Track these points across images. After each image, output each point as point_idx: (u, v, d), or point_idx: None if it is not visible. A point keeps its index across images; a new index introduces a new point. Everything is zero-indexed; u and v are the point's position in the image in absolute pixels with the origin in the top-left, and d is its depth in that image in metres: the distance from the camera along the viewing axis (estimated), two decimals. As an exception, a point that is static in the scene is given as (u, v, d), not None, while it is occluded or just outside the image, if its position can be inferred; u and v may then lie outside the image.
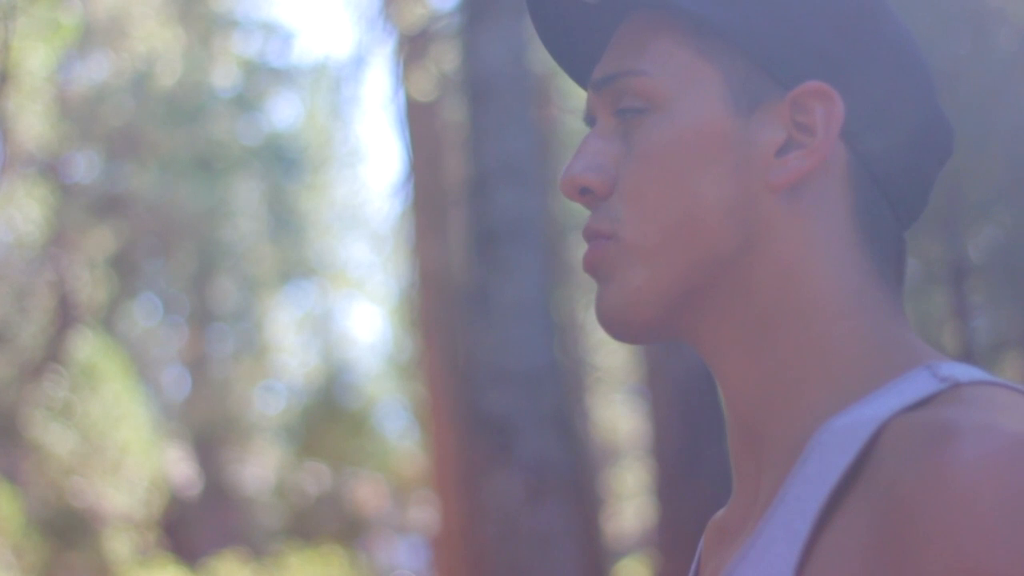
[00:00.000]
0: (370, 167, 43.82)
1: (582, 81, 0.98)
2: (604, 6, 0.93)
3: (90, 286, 14.01)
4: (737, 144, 0.85)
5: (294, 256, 19.80)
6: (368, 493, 19.53)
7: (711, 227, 0.85)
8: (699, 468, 8.01)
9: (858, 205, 0.86)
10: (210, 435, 17.23)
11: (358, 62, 12.41)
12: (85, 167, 15.79)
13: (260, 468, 18.33)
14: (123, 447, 12.18)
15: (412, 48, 9.82)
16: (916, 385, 0.79)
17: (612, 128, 0.90)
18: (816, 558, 0.75)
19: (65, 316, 13.53)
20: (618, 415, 17.54)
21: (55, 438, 11.85)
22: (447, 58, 9.31)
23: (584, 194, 0.89)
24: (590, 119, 0.93)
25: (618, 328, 0.89)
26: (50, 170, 13.85)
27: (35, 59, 9.71)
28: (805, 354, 0.84)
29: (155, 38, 14.15)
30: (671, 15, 0.88)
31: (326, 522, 18.25)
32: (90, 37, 13.75)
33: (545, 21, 0.96)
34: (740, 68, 0.86)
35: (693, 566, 0.94)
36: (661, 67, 0.87)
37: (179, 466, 15.60)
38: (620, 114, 0.89)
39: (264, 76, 18.55)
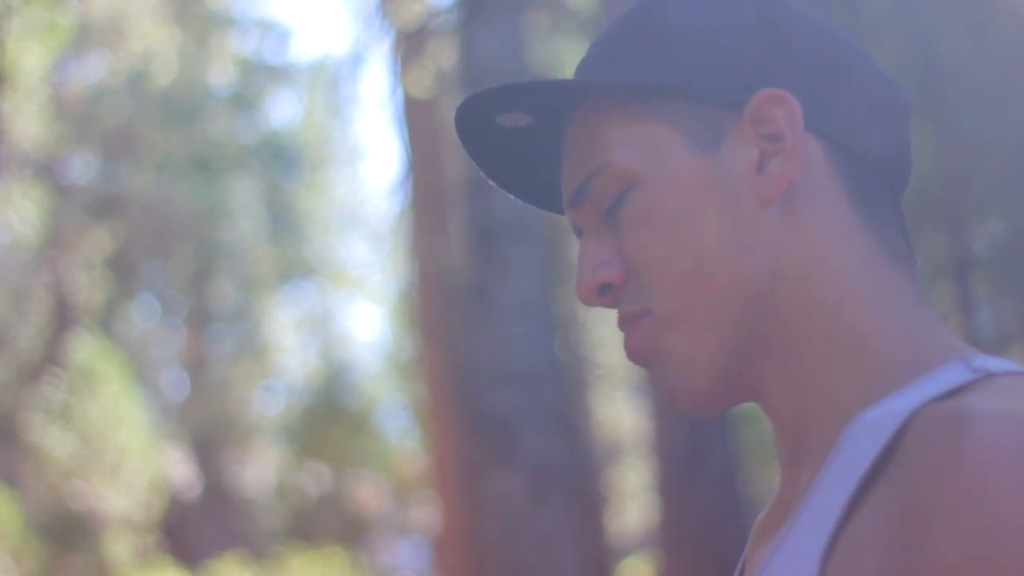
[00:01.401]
0: (369, 165, 43.83)
1: (553, 207, 1.00)
2: (539, 125, 0.94)
3: (88, 287, 14.00)
4: (717, 181, 0.87)
5: (293, 256, 19.82)
6: (369, 494, 19.56)
7: (724, 267, 0.86)
8: (702, 466, 7.99)
9: (848, 187, 0.88)
10: (210, 436, 17.26)
11: (356, 60, 12.40)
12: (82, 168, 15.79)
13: (260, 469, 18.35)
14: (122, 449, 12.19)
15: (410, 45, 9.80)
16: (949, 376, 0.80)
17: (601, 227, 0.92)
18: (842, 546, 0.76)
19: (63, 318, 13.53)
20: (620, 413, 17.55)
21: (54, 440, 11.84)
22: (445, 55, 9.29)
23: (604, 293, 0.91)
24: (578, 231, 0.94)
25: (687, 403, 0.89)
26: (47, 171, 13.84)
27: (31, 59, 9.71)
28: (838, 353, 0.85)
29: (151, 38, 14.17)
30: (604, 100, 0.90)
31: (327, 523, 18.29)
32: (86, 37, 13.76)
33: (491, 160, 0.98)
34: (689, 113, 0.88)
35: (739, 565, 0.95)
36: (618, 150, 0.89)
37: (179, 468, 15.61)
38: (608, 213, 0.90)
39: (261, 75, 18.58)
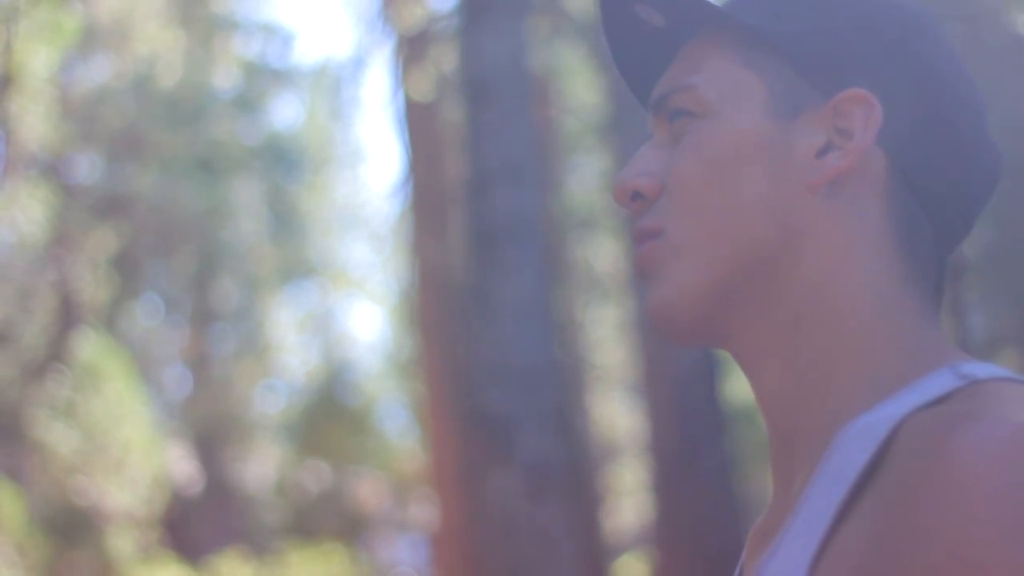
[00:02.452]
0: (370, 167, 43.78)
1: (644, 100, 1.03)
2: (670, 30, 0.98)
3: (92, 286, 14.01)
4: (777, 147, 0.89)
5: (295, 256, 19.76)
6: (369, 491, 19.50)
7: (750, 223, 0.88)
8: (696, 465, 8.04)
9: (894, 213, 0.89)
10: (212, 434, 17.22)
11: (358, 63, 12.44)
12: (87, 168, 15.81)
13: (261, 466, 18.31)
14: (125, 446, 12.17)
15: (411, 49, 9.84)
16: (937, 383, 0.81)
17: (665, 139, 0.94)
18: (831, 553, 0.77)
19: (67, 316, 13.55)
20: (617, 413, 17.53)
21: (58, 437, 11.86)
22: (446, 59, 9.33)
23: (635, 199, 0.94)
24: (649, 135, 0.97)
25: (666, 325, 0.92)
26: (52, 171, 13.86)
27: (37, 61, 9.74)
28: (837, 354, 0.87)
29: (156, 39, 14.14)
30: (726, 33, 0.93)
31: (327, 520, 18.21)
32: (92, 39, 13.73)
33: (619, 46, 1.01)
34: (785, 78, 0.91)
35: (737, 569, 0.95)
36: (709, 80, 0.92)
37: (181, 464, 15.58)
38: (672, 117, 0.93)
39: (264, 77, 18.52)
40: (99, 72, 15.13)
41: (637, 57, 1.01)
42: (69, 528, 11.75)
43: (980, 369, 0.82)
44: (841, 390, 0.86)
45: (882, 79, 0.90)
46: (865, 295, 0.88)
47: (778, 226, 0.88)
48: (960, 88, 0.92)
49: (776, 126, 0.90)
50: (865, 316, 0.87)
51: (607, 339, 16.16)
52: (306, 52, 42.49)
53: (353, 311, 42.77)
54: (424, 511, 15.76)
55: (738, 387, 10.99)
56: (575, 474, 9.36)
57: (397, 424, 21.50)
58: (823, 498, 0.79)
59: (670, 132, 0.94)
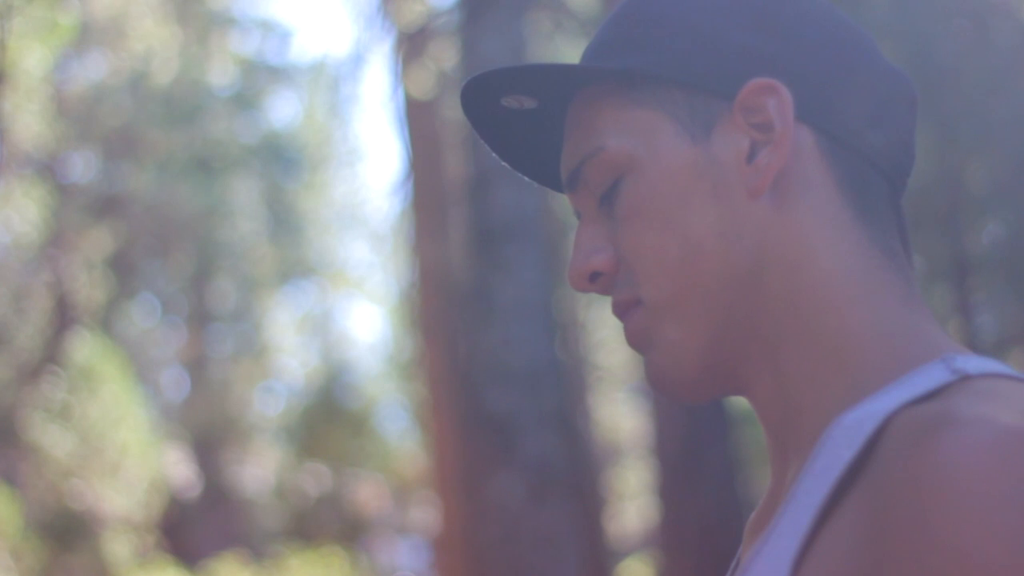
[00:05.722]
0: (369, 166, 43.87)
1: (553, 184, 1.00)
2: (544, 108, 0.95)
3: (88, 287, 14.00)
4: (707, 169, 0.87)
5: (293, 256, 19.83)
6: (369, 494, 19.55)
7: (712, 256, 0.86)
8: (701, 467, 7.99)
9: (842, 180, 0.87)
10: (209, 436, 17.26)
11: (357, 60, 12.40)
12: (83, 167, 15.81)
13: (260, 469, 18.35)
14: (122, 448, 12.18)
15: (411, 46, 9.79)
16: (928, 378, 0.78)
17: (597, 213, 0.92)
18: (814, 552, 0.76)
19: (63, 317, 13.53)
20: (620, 414, 17.56)
21: (53, 440, 11.83)
22: (446, 55, 9.29)
23: (595, 280, 0.92)
24: (578, 214, 0.95)
25: (674, 389, 0.90)
26: (47, 170, 13.85)
27: (32, 59, 9.72)
28: (822, 350, 0.84)
29: (152, 37, 14.17)
30: (600, 86, 0.91)
31: (327, 523, 18.29)
32: (87, 36, 13.77)
33: (500, 140, 0.99)
34: (682, 101, 0.88)
35: (733, 563, 0.95)
36: (611, 137, 0.89)
37: (178, 467, 15.61)
38: (604, 200, 0.91)
39: (262, 75, 18.60)
40: (95, 70, 15.15)
41: (523, 145, 0.99)
42: (65, 532, 11.74)
43: (972, 363, 0.79)
44: (831, 385, 0.84)
45: (770, 58, 0.87)
46: (841, 280, 0.85)
47: (738, 246, 0.86)
48: (840, 27, 0.90)
49: (698, 149, 0.88)
50: (845, 303, 0.85)
51: (609, 339, 16.12)
52: (304, 49, 42.62)
53: (353, 311, 42.90)
54: (425, 514, 15.76)
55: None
56: (577, 476, 9.31)
57: (397, 426, 21.57)
58: (808, 496, 0.78)
59: (597, 203, 0.92)
